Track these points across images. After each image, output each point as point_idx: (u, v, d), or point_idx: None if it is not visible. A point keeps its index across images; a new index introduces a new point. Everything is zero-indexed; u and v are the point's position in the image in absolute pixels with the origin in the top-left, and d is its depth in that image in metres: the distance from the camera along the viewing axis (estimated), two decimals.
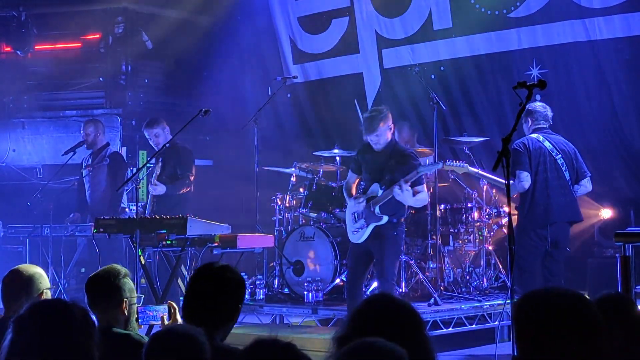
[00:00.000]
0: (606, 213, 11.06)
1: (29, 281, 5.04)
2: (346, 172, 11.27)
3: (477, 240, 10.78)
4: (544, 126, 8.92)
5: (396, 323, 3.26)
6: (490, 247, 10.74)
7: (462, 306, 9.95)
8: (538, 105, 9.05)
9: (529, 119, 8.97)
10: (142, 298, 5.07)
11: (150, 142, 10.64)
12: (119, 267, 5.01)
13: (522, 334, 3.23)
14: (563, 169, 8.88)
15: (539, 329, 3.17)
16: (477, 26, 11.95)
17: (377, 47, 13.01)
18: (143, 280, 9.25)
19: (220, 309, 4.30)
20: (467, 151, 10.41)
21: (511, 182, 8.96)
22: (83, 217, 11.40)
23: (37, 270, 5.16)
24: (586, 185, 9.10)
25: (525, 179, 8.55)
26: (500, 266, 10.69)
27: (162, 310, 4.85)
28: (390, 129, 8.77)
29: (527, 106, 9.04)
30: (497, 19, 11.73)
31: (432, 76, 12.35)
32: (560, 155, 8.87)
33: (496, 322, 9.60)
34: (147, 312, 4.79)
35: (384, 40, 12.93)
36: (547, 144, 8.82)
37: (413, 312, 3.33)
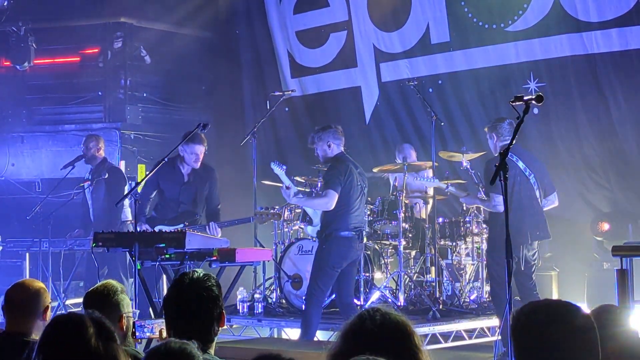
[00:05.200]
0: (604, 226, 11.06)
1: (36, 296, 5.00)
2: None
3: (476, 254, 10.79)
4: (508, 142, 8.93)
5: (388, 337, 3.25)
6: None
7: (461, 320, 9.95)
8: (504, 121, 9.13)
9: (494, 135, 9.04)
10: (137, 313, 5.06)
11: (189, 157, 10.19)
12: (115, 282, 4.99)
13: (520, 345, 3.26)
14: (535, 187, 8.97)
15: (536, 340, 3.19)
16: (475, 40, 11.99)
17: (375, 61, 13.04)
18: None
19: (204, 321, 4.20)
20: (465, 165, 10.41)
21: (483, 197, 9.08)
22: (86, 232, 11.38)
23: (42, 285, 5.13)
24: (553, 200, 9.27)
25: (501, 203, 8.56)
26: None
27: (159, 324, 4.84)
28: (329, 145, 9.14)
29: (493, 122, 9.17)
30: (494, 32, 11.76)
31: (430, 90, 12.38)
32: (532, 175, 8.96)
33: (495, 336, 9.60)
34: (145, 326, 4.79)
35: (382, 54, 12.96)
36: (520, 163, 8.88)
37: (406, 325, 3.32)
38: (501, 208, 8.57)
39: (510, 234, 8.73)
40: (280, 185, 9.38)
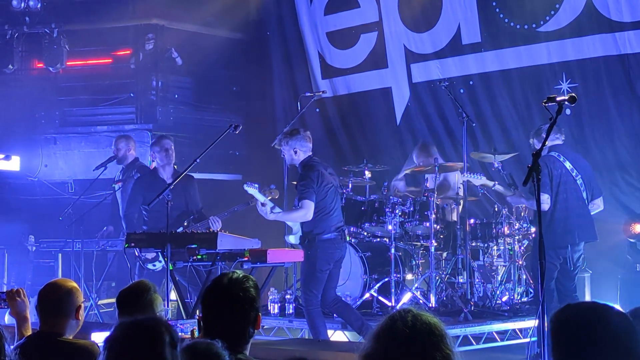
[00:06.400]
0: (637, 228, 10.98)
1: (67, 295, 5.03)
2: (375, 186, 11.32)
3: (508, 255, 10.73)
4: (559, 142, 8.94)
5: (420, 339, 3.23)
6: (520, 262, 10.69)
7: (493, 322, 9.91)
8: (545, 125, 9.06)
9: (536, 141, 8.99)
10: (170, 311, 5.08)
11: (161, 155, 10.32)
12: (147, 282, 5.03)
13: (559, 347, 3.23)
14: (582, 189, 8.93)
15: (575, 342, 3.17)
16: (506, 40, 11.94)
17: (406, 62, 13.01)
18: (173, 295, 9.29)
19: (239, 322, 4.22)
20: (496, 166, 10.38)
21: (526, 198, 9.05)
22: (117, 230, 11.43)
23: (74, 285, 5.15)
24: (599, 204, 9.21)
25: (546, 202, 8.55)
26: (531, 281, 10.62)
27: (192, 324, 4.86)
28: (295, 151, 9.13)
29: (534, 130, 9.12)
30: (526, 33, 11.71)
31: (461, 90, 12.34)
32: (579, 176, 8.92)
33: (527, 338, 9.55)
34: (177, 325, 4.81)
35: (413, 55, 12.93)
36: (567, 164, 8.84)
37: (438, 327, 3.30)
38: (545, 206, 8.57)
39: (557, 233, 8.78)
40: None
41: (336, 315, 9.52)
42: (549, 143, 8.86)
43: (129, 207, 10.42)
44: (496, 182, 9.96)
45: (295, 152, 9.14)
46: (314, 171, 9.04)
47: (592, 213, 9.14)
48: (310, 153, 9.26)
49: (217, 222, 9.88)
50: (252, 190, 9.48)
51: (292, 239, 9.46)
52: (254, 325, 4.21)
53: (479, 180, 10.05)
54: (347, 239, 9.44)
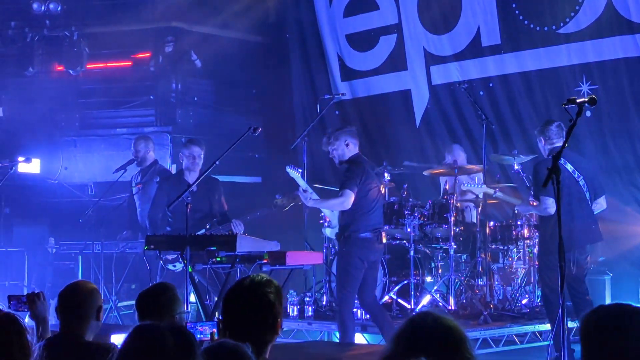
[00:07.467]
0: None
1: (88, 297, 5.05)
2: (395, 189, 11.31)
3: (527, 258, 10.70)
4: (560, 144, 8.87)
5: (440, 342, 3.24)
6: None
7: (512, 324, 9.89)
8: (552, 124, 8.99)
9: (542, 139, 8.93)
10: (190, 314, 5.09)
11: (187, 160, 10.27)
12: (167, 283, 5.05)
13: (591, 349, 3.22)
14: (584, 190, 8.86)
15: (609, 345, 3.17)
16: (526, 42, 11.91)
17: (425, 64, 13.00)
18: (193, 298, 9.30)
19: (257, 326, 4.21)
20: (516, 168, 10.35)
21: (534, 203, 9.00)
22: (134, 234, 11.45)
23: (93, 286, 5.17)
24: (602, 203, 9.12)
25: (551, 205, 8.48)
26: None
27: (211, 326, 4.86)
28: (347, 144, 9.07)
29: (542, 125, 9.07)
30: (546, 35, 11.68)
31: (481, 92, 12.31)
32: (581, 177, 8.85)
33: (547, 341, 9.52)
34: (197, 327, 4.81)
35: (432, 57, 12.92)
36: (568, 166, 8.79)
37: (457, 330, 3.30)
38: (551, 210, 8.52)
39: (563, 236, 8.72)
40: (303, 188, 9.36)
41: (370, 317, 9.42)
42: (550, 146, 8.82)
43: (153, 208, 10.43)
44: (497, 189, 9.93)
45: (347, 145, 9.08)
46: (360, 167, 9.01)
47: (595, 213, 9.08)
48: (358, 150, 9.22)
49: (239, 225, 9.87)
50: (295, 174, 9.47)
51: (329, 232, 9.42)
52: (272, 330, 4.19)
53: (479, 189, 10.05)
54: (384, 241, 9.38)
